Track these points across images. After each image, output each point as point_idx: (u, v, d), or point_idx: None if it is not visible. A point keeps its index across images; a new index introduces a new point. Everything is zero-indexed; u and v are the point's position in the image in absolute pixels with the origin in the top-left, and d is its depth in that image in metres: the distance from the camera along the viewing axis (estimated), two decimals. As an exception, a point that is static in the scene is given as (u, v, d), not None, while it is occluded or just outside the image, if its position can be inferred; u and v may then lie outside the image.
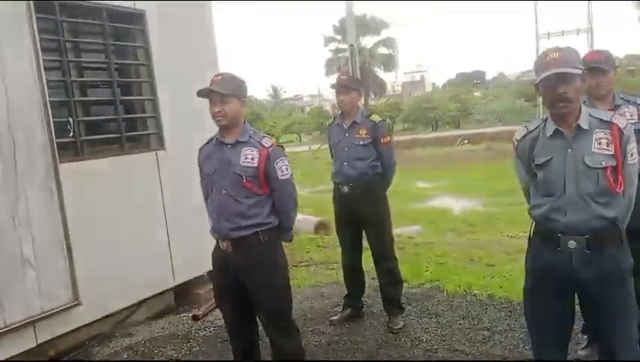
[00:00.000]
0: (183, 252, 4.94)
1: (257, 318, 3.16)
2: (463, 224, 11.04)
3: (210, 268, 5.20)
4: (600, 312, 2.34)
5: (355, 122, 4.17)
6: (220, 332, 4.50)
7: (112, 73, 4.50)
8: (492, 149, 23.92)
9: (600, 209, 2.25)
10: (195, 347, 4.25)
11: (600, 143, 2.25)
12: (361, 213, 4.18)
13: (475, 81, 62.61)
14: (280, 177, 2.96)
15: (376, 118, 4.20)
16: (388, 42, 39.12)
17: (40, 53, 3.83)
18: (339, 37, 39.40)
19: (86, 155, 4.28)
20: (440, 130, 37.52)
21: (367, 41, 39.75)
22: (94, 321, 4.29)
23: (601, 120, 2.29)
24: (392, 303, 4.29)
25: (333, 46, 39.77)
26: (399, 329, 4.17)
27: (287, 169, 3.00)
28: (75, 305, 4.00)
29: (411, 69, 60.69)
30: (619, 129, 2.25)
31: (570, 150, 2.28)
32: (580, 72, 2.25)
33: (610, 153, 2.24)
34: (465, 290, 4.98)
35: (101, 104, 4.58)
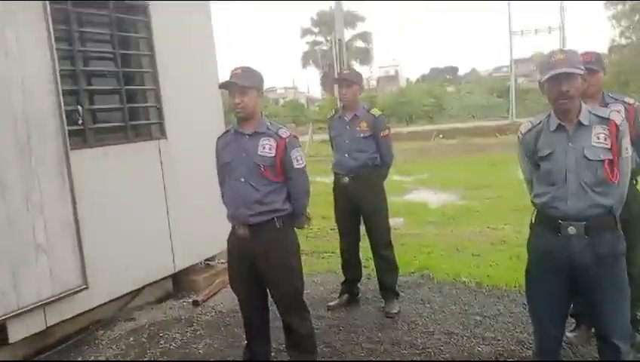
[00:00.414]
0: (183, 239, 5.07)
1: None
2: (443, 217, 11.27)
3: (208, 255, 5.44)
4: (596, 294, 2.56)
5: (356, 115, 4.35)
6: (222, 316, 4.67)
7: (118, 63, 4.59)
8: (467, 144, 24.32)
9: (598, 198, 2.48)
10: (199, 330, 4.40)
11: (598, 138, 2.47)
12: (361, 203, 4.37)
13: (448, 77, 63.36)
14: (295, 166, 3.13)
15: (376, 111, 4.40)
16: (364, 36, 39.38)
17: (54, 42, 3.91)
18: (316, 29, 39.53)
19: (93, 143, 4.37)
20: (414, 125, 37.98)
21: (344, 34, 39.81)
22: (98, 306, 4.41)
23: (600, 116, 2.51)
24: (389, 289, 4.50)
25: (310, 38, 39.92)
26: (395, 313, 4.37)
27: (302, 158, 3.17)
28: (83, 288, 4.10)
29: (386, 64, 61.11)
30: (615, 125, 2.47)
31: (571, 143, 2.50)
32: (582, 72, 2.46)
33: (608, 147, 2.46)
34: (454, 278, 5.22)
35: (107, 93, 4.66)
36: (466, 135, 27.41)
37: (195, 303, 4.93)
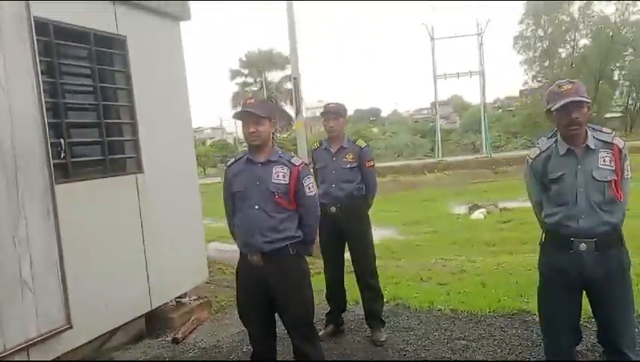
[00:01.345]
0: (159, 276, 4.95)
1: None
2: (387, 251, 11.57)
3: (181, 292, 5.33)
4: (606, 306, 2.77)
5: (342, 147, 4.48)
6: (205, 353, 4.59)
7: (98, 96, 4.51)
8: (398, 181, 25.07)
9: (605, 216, 2.71)
10: (186, 368, 4.28)
11: (604, 160, 2.72)
12: (347, 232, 4.46)
13: (372, 118, 65.29)
14: (308, 194, 3.20)
15: (361, 143, 4.55)
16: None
17: (40, 73, 3.81)
18: (246, 71, 39.84)
19: (74, 177, 4.24)
20: (344, 164, 38.60)
21: (273, 76, 40.58)
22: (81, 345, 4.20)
23: (604, 141, 2.76)
24: (375, 317, 4.58)
25: (240, 80, 40.15)
26: (383, 341, 4.44)
27: (313, 186, 3.24)
28: (67, 328, 3.91)
29: (312, 105, 62.11)
30: (619, 149, 2.73)
31: (580, 166, 2.73)
32: (588, 101, 2.71)
33: (612, 169, 2.71)
34: (429, 306, 5.36)
35: (88, 127, 4.55)
36: (396, 173, 28.27)
37: (175, 341, 4.79)
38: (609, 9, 37.93)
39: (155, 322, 5.14)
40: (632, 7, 37.22)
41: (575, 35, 39.45)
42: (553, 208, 2.82)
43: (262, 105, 3.16)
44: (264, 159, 3.19)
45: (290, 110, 43.13)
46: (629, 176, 2.77)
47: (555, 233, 2.82)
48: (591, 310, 2.94)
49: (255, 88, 39.99)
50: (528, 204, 10.58)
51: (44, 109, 3.82)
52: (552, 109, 2.73)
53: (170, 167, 5.24)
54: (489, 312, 5.06)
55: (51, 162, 3.86)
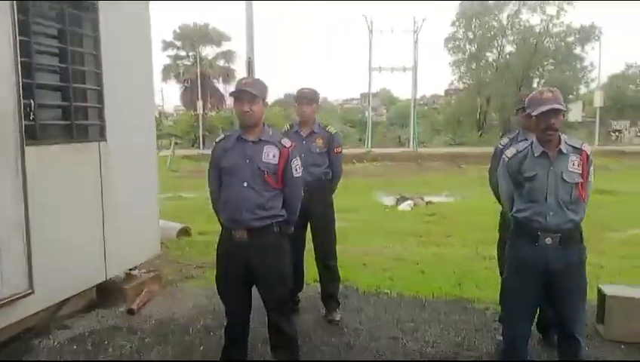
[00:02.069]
0: (116, 246, 4.91)
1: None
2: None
3: (135, 264, 5.31)
4: (564, 296, 3.08)
5: (313, 131, 4.61)
6: (163, 325, 4.62)
7: (68, 59, 4.39)
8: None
9: (571, 214, 3.02)
10: (146, 338, 4.32)
11: (573, 164, 3.02)
12: (311, 215, 4.60)
13: (295, 104, 65.34)
14: (295, 175, 3.32)
15: (332, 129, 4.71)
16: (228, 55, 39.52)
17: (17, 33, 3.69)
18: (179, 43, 38.80)
19: (40, 140, 4.13)
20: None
21: (208, 52, 39.74)
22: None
23: (574, 146, 3.06)
24: (332, 298, 4.78)
25: (172, 52, 39.04)
26: (338, 321, 4.65)
27: (300, 168, 3.36)
28: (29, 293, 3.84)
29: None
30: (587, 155, 3.04)
31: (552, 168, 3.02)
32: (565, 109, 3.00)
33: (579, 172, 3.02)
34: (376, 290, 5.63)
35: (56, 90, 4.42)
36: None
37: (131, 312, 4.78)
38: (534, 20, 39.83)
39: (106, 292, 5.08)
40: (556, 20, 39.40)
41: (502, 41, 41.27)
42: (524, 204, 3.10)
43: (256, 85, 3.24)
44: (256, 138, 3.27)
45: (222, 88, 42.67)
46: (591, 180, 3.10)
47: (524, 227, 3.10)
48: (549, 302, 3.25)
49: (188, 63, 39.07)
50: (450, 200, 11.26)
51: (20, 68, 3.71)
52: (533, 114, 3.00)
53: (131, 137, 5.18)
54: (432, 298, 5.39)
55: (23, 123, 3.77)
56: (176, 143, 31.15)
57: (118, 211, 4.90)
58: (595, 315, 4.46)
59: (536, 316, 3.37)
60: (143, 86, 5.45)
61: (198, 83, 36.38)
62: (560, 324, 3.20)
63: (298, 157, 3.38)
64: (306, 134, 4.61)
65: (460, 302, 5.28)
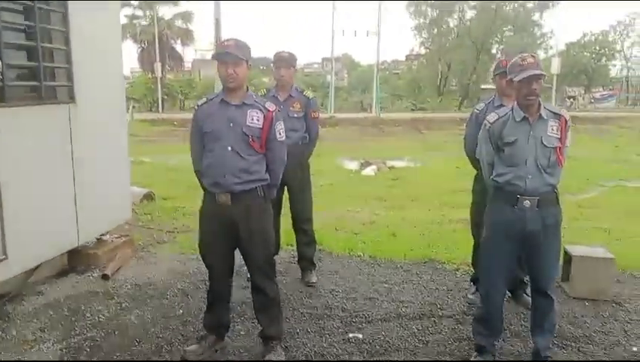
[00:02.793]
0: (88, 211, 4.81)
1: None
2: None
3: (107, 229, 5.25)
4: (540, 255, 3.20)
5: (290, 96, 4.59)
6: (140, 289, 4.61)
7: (36, 18, 4.21)
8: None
9: (548, 178, 3.12)
10: (124, 303, 4.30)
11: (552, 129, 3.11)
12: (290, 179, 4.59)
13: (262, 67, 64.55)
14: (278, 138, 3.31)
15: (309, 93, 4.69)
16: (186, 16, 38.37)
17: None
18: (135, 2, 37.43)
19: (11, 102, 3.98)
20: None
21: (165, 12, 38.48)
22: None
23: (554, 112, 3.14)
24: (308, 260, 4.84)
25: (128, 11, 37.63)
26: (315, 282, 4.73)
27: (283, 132, 3.36)
28: (3, 259, 3.76)
29: (203, 47, 60.01)
30: (565, 120, 3.13)
31: (532, 133, 3.10)
32: (545, 74, 3.07)
33: (558, 137, 3.11)
34: (349, 252, 5.73)
35: (24, 49, 4.25)
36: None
37: (105, 277, 4.74)
38: (496, -14, 39.92)
39: (78, 258, 5.02)
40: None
41: (463, 7, 41.36)
42: (505, 168, 3.18)
43: (240, 47, 3.18)
44: (239, 102, 3.24)
45: (180, 49, 41.58)
46: (568, 144, 3.19)
47: (504, 191, 3.18)
48: (525, 261, 3.38)
49: (144, 23, 37.75)
50: (412, 164, 11.40)
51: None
52: (515, 80, 3.05)
53: (100, 99, 5.04)
54: (404, 260, 5.52)
55: (-8, 84, 3.62)
56: (133, 107, 30.37)
57: (89, 175, 4.79)
58: (561, 274, 4.66)
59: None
60: (110, 47, 5.29)
61: (155, 44, 35.33)
62: (534, 283, 3.33)
63: (282, 121, 3.36)
64: (284, 98, 4.58)
65: (431, 264, 5.43)
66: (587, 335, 3.78)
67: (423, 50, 45.12)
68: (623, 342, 3.70)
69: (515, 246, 3.21)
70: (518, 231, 3.15)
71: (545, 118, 3.11)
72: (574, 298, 4.42)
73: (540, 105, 3.12)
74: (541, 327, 3.28)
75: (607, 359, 3.48)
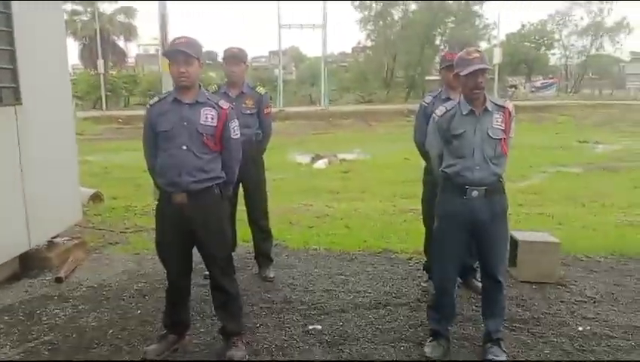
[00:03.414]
0: (38, 214, 4.73)
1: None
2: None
3: (58, 231, 5.16)
4: (489, 242, 3.35)
5: (242, 92, 4.60)
6: (96, 291, 4.57)
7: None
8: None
9: (495, 168, 3.26)
10: (80, 305, 4.24)
11: (497, 121, 3.25)
12: (244, 176, 4.60)
13: (208, 62, 63.78)
14: (233, 136, 3.34)
15: (261, 90, 4.72)
16: (128, 11, 37.46)
17: None
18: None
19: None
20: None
21: (106, 7, 37.44)
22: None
23: (498, 105, 3.28)
24: (265, 256, 4.88)
25: (68, 6, 36.35)
26: (273, 277, 4.78)
27: (238, 129, 3.38)
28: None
29: (145, 42, 58.73)
30: (509, 112, 3.28)
31: (478, 125, 3.23)
32: (491, 68, 3.20)
33: (503, 128, 3.26)
34: (304, 246, 5.81)
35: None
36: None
37: (59, 280, 4.66)
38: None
39: (30, 262, 4.91)
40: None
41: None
42: (453, 160, 3.30)
43: (192, 45, 3.18)
44: (192, 100, 3.24)
45: (123, 45, 40.60)
46: (512, 135, 3.35)
47: (453, 181, 3.31)
48: (475, 249, 3.53)
49: (85, 18, 36.66)
50: (362, 156, 11.62)
51: None
52: (462, 74, 3.18)
53: (47, 100, 4.94)
54: (358, 251, 5.64)
55: None
56: (76, 105, 29.53)
57: (38, 177, 4.71)
58: (508, 260, 4.87)
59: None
60: (55, 46, 5.18)
61: (97, 40, 34.38)
62: (484, 269, 3.49)
63: (236, 119, 3.39)
64: (235, 95, 4.59)
65: (385, 254, 5.57)
66: (535, 317, 3.98)
67: (369, 43, 45.56)
68: (570, 323, 3.90)
69: (465, 235, 3.35)
70: (467, 220, 3.28)
71: (490, 110, 3.25)
72: (522, 281, 4.63)
73: (485, 98, 3.25)
74: (491, 311, 3.44)
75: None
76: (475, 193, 3.25)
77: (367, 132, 24.34)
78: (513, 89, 43.72)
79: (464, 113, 3.26)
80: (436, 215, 3.47)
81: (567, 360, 3.39)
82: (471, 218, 3.28)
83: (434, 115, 3.40)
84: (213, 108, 3.27)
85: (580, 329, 3.79)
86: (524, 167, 12.24)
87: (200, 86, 3.32)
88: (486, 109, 3.24)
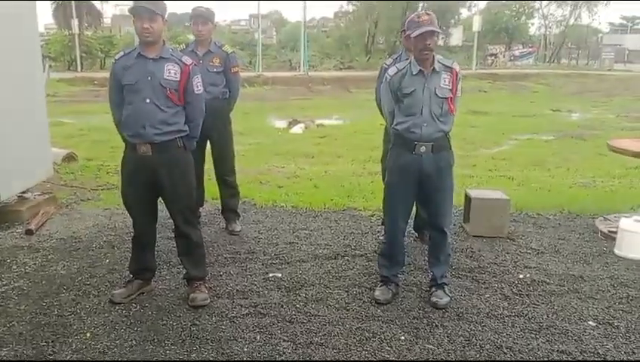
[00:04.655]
0: (6, 168, 4.84)
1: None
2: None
3: (28, 186, 5.28)
4: (435, 195, 3.58)
5: (209, 51, 4.72)
6: (66, 242, 4.73)
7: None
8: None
9: (441, 125, 3.47)
10: (49, 255, 4.41)
11: (445, 81, 3.44)
12: (211, 132, 4.76)
13: (187, 24, 62.54)
14: (195, 91, 3.49)
15: (228, 48, 4.84)
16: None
17: None
18: (48, -45, 35.27)
19: None
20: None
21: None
22: None
23: (446, 65, 3.47)
24: (232, 211, 5.07)
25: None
26: (239, 231, 4.98)
27: (200, 85, 3.53)
28: None
29: (124, 3, 57.42)
30: (456, 73, 3.47)
31: (427, 84, 3.42)
32: (439, 31, 3.37)
33: (450, 88, 3.45)
34: (272, 204, 6.00)
35: None
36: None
37: (29, 232, 4.81)
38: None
39: (1, 215, 5.04)
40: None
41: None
42: (403, 118, 3.50)
43: (156, 3, 3.30)
44: (156, 55, 3.37)
45: (98, 5, 39.71)
46: (459, 94, 3.55)
47: (403, 138, 3.51)
48: (422, 201, 3.77)
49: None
50: (340, 122, 11.73)
51: None
52: (412, 36, 3.35)
53: (15, 55, 4.99)
54: (324, 208, 5.85)
55: None
56: (50, 65, 28.99)
57: (6, 131, 4.79)
58: (463, 216, 5.14)
59: (412, 217, 3.89)
60: (24, 4, 5.20)
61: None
62: (430, 219, 3.72)
63: (199, 75, 3.53)
64: (203, 53, 4.70)
65: (348, 211, 5.79)
66: (481, 266, 4.25)
67: (351, 8, 45.16)
68: (512, 271, 4.18)
69: (413, 187, 3.57)
70: (415, 173, 3.50)
71: (438, 70, 3.43)
72: (474, 236, 4.89)
73: (434, 58, 3.43)
74: (437, 258, 3.69)
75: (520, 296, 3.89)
76: (423, 148, 3.46)
77: (347, 98, 24.35)
78: (493, 57, 43.82)
79: (414, 73, 3.44)
80: (387, 169, 3.68)
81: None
82: (419, 171, 3.49)
83: (386, 74, 3.58)
84: (177, 63, 3.41)
85: (521, 276, 4.07)
86: (497, 134, 12.48)
87: (164, 42, 3.44)
88: (434, 70, 3.43)
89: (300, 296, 3.73)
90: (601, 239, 4.89)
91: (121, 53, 3.50)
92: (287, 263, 4.31)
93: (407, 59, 4.18)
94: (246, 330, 3.28)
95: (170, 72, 3.38)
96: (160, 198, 3.62)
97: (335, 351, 3.07)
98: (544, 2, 48.17)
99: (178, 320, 3.40)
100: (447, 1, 40.95)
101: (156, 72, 3.35)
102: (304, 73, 31.33)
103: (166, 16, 3.40)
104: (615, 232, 4.64)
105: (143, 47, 3.38)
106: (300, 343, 3.14)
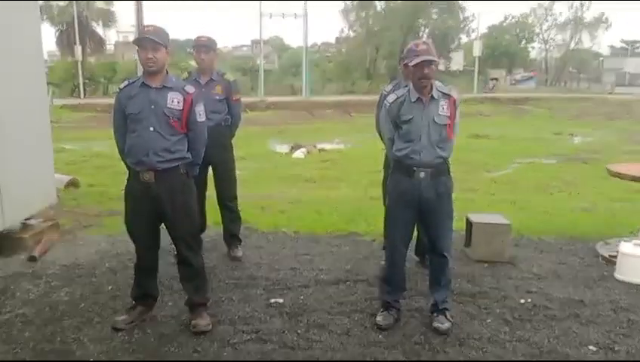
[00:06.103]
0: (11, 196, 4.88)
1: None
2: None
3: (32, 213, 5.32)
4: (435, 220, 3.62)
5: (212, 79, 4.81)
6: (69, 269, 4.75)
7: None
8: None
9: (440, 151, 3.52)
10: (52, 282, 4.43)
11: (443, 108, 3.51)
12: (213, 159, 4.81)
13: (189, 50, 63.24)
14: (198, 120, 3.56)
15: (230, 77, 4.94)
16: (106, -4, 37.19)
17: None
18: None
19: None
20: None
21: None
22: None
23: (444, 93, 3.53)
24: (234, 236, 5.11)
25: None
26: (241, 256, 5.01)
27: (203, 113, 3.60)
28: None
29: (124, 29, 58.12)
30: (454, 100, 3.53)
31: (425, 112, 3.48)
32: (437, 60, 3.45)
33: (448, 115, 3.51)
34: (274, 229, 6.03)
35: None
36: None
37: (32, 259, 4.83)
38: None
39: (4, 242, 5.07)
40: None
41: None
42: (403, 144, 3.55)
43: (159, 33, 3.39)
44: (159, 85, 3.45)
45: (101, 31, 40.23)
46: (457, 121, 3.60)
47: (402, 164, 3.56)
48: (422, 226, 3.80)
49: (62, 4, 36.27)
50: (342, 146, 11.81)
51: None
52: (410, 64, 3.42)
53: (20, 84, 5.08)
54: (326, 234, 5.88)
55: None
56: (53, 92, 29.28)
57: (11, 160, 4.85)
58: (464, 240, 5.15)
59: (412, 242, 3.92)
60: (30, 32, 5.32)
61: (75, 26, 34.06)
62: (430, 244, 3.75)
63: (202, 103, 3.60)
64: (205, 82, 4.79)
65: (350, 236, 5.82)
66: (483, 291, 4.26)
67: (352, 34, 45.67)
68: (513, 296, 4.18)
69: (413, 213, 3.61)
70: (415, 198, 3.54)
71: (436, 98, 3.50)
72: (476, 261, 4.90)
73: (432, 86, 3.50)
74: (438, 283, 3.71)
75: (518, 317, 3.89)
76: (422, 174, 3.51)
77: (348, 122, 24.52)
78: (495, 81, 44.14)
79: (413, 100, 3.50)
80: (388, 194, 3.72)
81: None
82: (418, 196, 3.54)
83: (385, 101, 3.65)
84: (180, 92, 3.48)
85: (522, 301, 4.07)
86: (499, 157, 12.55)
87: (167, 72, 3.52)
88: (432, 97, 3.49)
89: (301, 321, 3.74)
90: (602, 263, 4.90)
91: (126, 83, 3.59)
92: (289, 289, 4.33)
93: (406, 86, 4.27)
94: (248, 357, 3.29)
95: (173, 101, 3.45)
96: (162, 225, 3.66)
97: (337, 377, 3.08)
98: (544, 27, 48.65)
99: (180, 346, 3.43)
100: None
101: (160, 101, 3.42)
102: (306, 98, 31.58)
103: (169, 46, 3.48)
104: (616, 256, 4.65)
105: (146, 77, 3.46)
106: (301, 369, 3.15)
